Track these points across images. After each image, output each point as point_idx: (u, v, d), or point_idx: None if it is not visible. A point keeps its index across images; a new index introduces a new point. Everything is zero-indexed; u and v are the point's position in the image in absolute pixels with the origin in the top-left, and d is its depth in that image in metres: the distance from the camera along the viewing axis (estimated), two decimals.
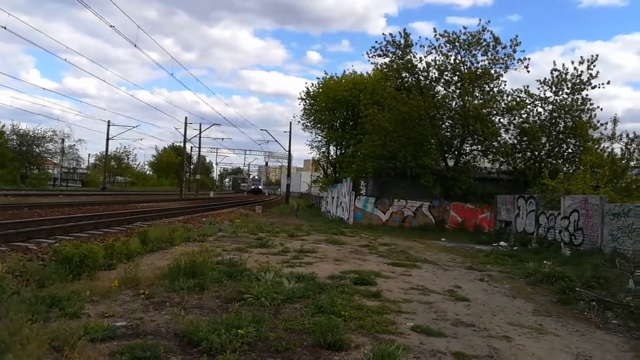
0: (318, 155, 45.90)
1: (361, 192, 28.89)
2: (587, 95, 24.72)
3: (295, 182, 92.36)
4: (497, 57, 25.81)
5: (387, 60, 27.16)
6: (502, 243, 19.28)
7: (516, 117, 26.59)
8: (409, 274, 10.16)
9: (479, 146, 27.23)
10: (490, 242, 19.65)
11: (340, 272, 9.43)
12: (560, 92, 25.05)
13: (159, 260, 9.21)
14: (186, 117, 54.65)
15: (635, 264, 10.10)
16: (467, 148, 27.75)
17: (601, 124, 24.64)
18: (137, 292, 6.43)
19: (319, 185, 47.80)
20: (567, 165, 25.57)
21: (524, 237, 19.48)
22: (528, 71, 25.83)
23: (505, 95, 26.50)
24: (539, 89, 25.61)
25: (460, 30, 25.91)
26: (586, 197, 16.10)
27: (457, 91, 26.55)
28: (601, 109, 25.24)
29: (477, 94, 26.64)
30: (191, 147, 67.24)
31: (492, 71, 26.00)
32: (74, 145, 68.06)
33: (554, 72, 24.95)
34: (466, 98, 25.58)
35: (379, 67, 28.36)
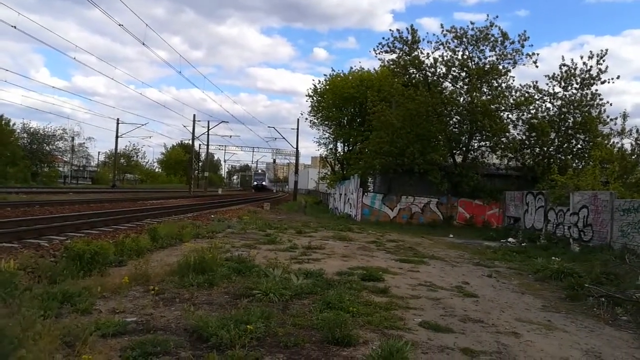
0: (325, 152, 45.96)
1: (369, 188, 28.86)
2: (596, 90, 24.50)
3: (303, 179, 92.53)
4: (505, 53, 25.61)
5: (394, 56, 27.11)
6: (510, 239, 19.20)
7: (525, 113, 26.40)
8: (416, 270, 10.16)
9: (487, 142, 27.07)
10: (499, 239, 19.59)
11: (348, 268, 9.46)
12: (570, 88, 24.82)
13: (169, 257, 9.28)
14: (194, 115, 54.88)
15: None
16: (475, 144, 27.60)
17: (611, 119, 24.43)
18: (147, 288, 6.49)
19: (327, 182, 47.81)
20: (576, 161, 25.36)
21: (532, 234, 19.38)
22: (536, 66, 25.61)
23: (513, 91, 26.32)
24: (547, 84, 25.42)
25: (467, 26, 25.72)
26: (596, 193, 15.98)
27: (465, 87, 26.41)
28: (610, 104, 25.15)
29: (485, 90, 26.48)
30: (199, 145, 67.64)
31: (500, 67, 25.80)
32: (84, 143, 68.75)
33: (562, 67, 24.73)
34: (474, 94, 25.43)
35: (386, 63, 28.28)
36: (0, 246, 9.13)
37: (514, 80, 26.49)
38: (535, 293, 8.70)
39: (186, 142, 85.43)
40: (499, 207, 25.20)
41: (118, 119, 58.50)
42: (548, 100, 25.70)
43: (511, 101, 26.27)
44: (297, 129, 51.16)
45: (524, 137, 26.58)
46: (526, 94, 26.04)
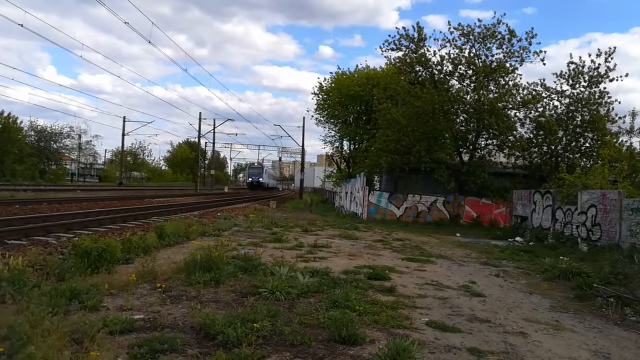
0: (331, 151, 45.95)
1: (375, 187, 28.84)
2: (604, 88, 24.31)
3: (309, 177, 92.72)
4: (512, 50, 25.46)
5: (400, 54, 26.98)
6: (517, 238, 19.10)
7: (532, 111, 26.23)
8: (423, 269, 10.13)
9: (494, 140, 26.94)
10: (506, 238, 19.48)
11: (355, 267, 9.44)
12: (577, 85, 24.64)
13: (176, 255, 9.31)
14: (200, 113, 55.15)
15: None
16: (482, 142, 27.47)
17: (619, 117, 24.25)
18: (154, 286, 6.52)
19: (333, 180, 47.81)
20: (584, 159, 25.17)
21: (540, 233, 19.26)
22: (544, 64, 25.48)
23: (520, 89, 26.14)
24: (555, 82, 25.25)
25: (474, 23, 25.63)
26: (604, 192, 15.84)
27: (472, 85, 26.27)
28: (619, 102, 24.82)
29: (492, 88, 26.32)
30: (205, 143, 67.88)
31: (507, 64, 25.65)
32: (91, 141, 69.29)
33: (570, 64, 24.56)
34: (481, 92, 25.30)
35: (392, 61, 28.18)
36: (9, 243, 9.19)
37: (521, 78, 26.39)
38: (543, 293, 8.64)
39: (192, 140, 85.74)
40: (506, 206, 25.06)
41: (124, 117, 59.00)
42: (556, 98, 25.57)
43: (518, 99, 26.12)
44: (303, 127, 51.20)
45: (531, 135, 26.42)
46: (533, 92, 25.88)
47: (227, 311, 5.46)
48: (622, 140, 24.01)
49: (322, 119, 42.11)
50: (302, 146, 52.63)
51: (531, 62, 25.81)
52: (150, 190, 45.35)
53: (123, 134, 58.87)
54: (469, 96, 26.50)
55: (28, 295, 5.14)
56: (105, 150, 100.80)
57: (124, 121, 58.48)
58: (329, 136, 43.64)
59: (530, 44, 25.26)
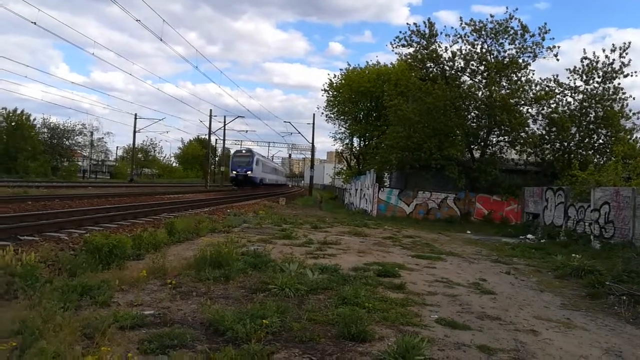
0: (341, 147, 45.87)
1: (385, 184, 28.74)
2: (618, 84, 23.96)
3: (319, 174, 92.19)
4: (525, 46, 25.19)
5: (411, 50, 26.83)
6: (529, 236, 18.95)
7: (545, 107, 25.94)
8: (433, 267, 10.08)
9: (505, 137, 26.71)
10: (517, 235, 19.33)
11: (364, 263, 9.43)
12: (591, 81, 24.31)
13: (186, 251, 9.37)
14: (211, 110, 55.34)
15: None
16: (494, 139, 27.25)
17: (633, 114, 23.94)
18: (164, 282, 6.56)
19: (342, 177, 47.73)
20: (597, 156, 24.86)
21: (552, 230, 19.08)
22: (557, 59, 25.12)
23: (533, 85, 25.84)
24: (568, 78, 24.93)
25: (487, 19, 25.33)
26: (617, 189, 15.64)
27: (484, 81, 26.05)
28: (633, 98, 24.41)
29: (504, 84, 26.08)
30: (216, 140, 67.83)
31: (520, 60, 25.40)
32: (103, 138, 69.85)
33: (584, 60, 24.23)
34: (493, 88, 25.07)
35: (403, 57, 28.03)
36: (22, 239, 9.31)
37: (533, 74, 26.02)
38: (555, 291, 8.56)
39: (203, 137, 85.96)
40: (517, 203, 24.86)
41: (136, 114, 59.28)
42: (569, 94, 25.24)
43: (531, 95, 25.84)
44: (313, 123, 51.19)
45: (543, 132, 26.13)
46: (546, 88, 25.57)
47: (237, 307, 5.48)
48: (636, 137, 23.79)
49: (332, 115, 42.08)
50: (312, 143, 52.65)
51: (544, 57, 25.51)
52: (160, 186, 45.62)
53: (134, 131, 59.30)
54: (480, 92, 26.28)
55: (40, 291, 5.21)
56: (117, 147, 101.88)
57: (136, 118, 58.86)
58: (339, 133, 43.59)
59: (543, 39, 25.00)
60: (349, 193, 38.18)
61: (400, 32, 29.37)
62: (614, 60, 23.53)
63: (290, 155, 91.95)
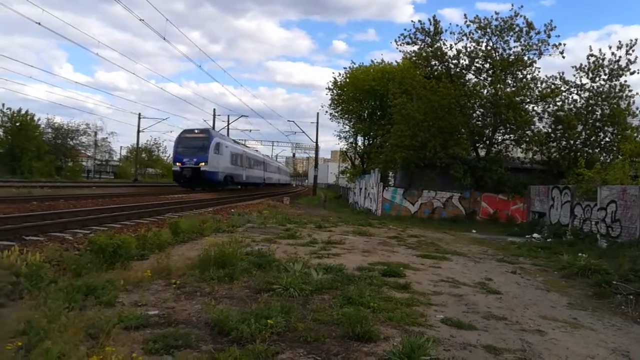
0: (346, 146, 45.85)
1: (389, 183, 28.67)
2: (625, 81, 23.79)
3: (323, 173, 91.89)
4: (530, 43, 25.04)
5: (416, 48, 26.76)
6: (535, 235, 18.85)
7: (551, 105, 25.80)
8: (438, 266, 10.04)
9: (511, 135, 26.58)
10: (523, 234, 19.24)
11: (369, 263, 9.39)
12: (597, 79, 24.14)
13: (190, 251, 9.37)
14: (214, 109, 55.53)
15: None
16: (499, 137, 27.13)
17: None
18: (168, 282, 6.56)
19: (347, 176, 47.71)
20: (604, 154, 24.71)
21: (558, 229, 18.98)
22: (563, 57, 25.02)
23: (539, 83, 25.71)
24: (574, 75, 24.76)
25: (492, 16, 25.28)
26: (624, 188, 15.53)
27: (489, 79, 25.93)
28: None
29: (510, 82, 25.96)
30: None
31: (525, 58, 25.26)
32: (107, 137, 69.87)
33: (590, 57, 24.06)
34: (498, 86, 24.96)
35: (408, 55, 27.96)
36: (26, 239, 9.34)
37: (539, 72, 25.92)
38: (561, 290, 8.51)
39: None
40: (523, 202, 24.74)
41: (140, 114, 59.31)
42: (575, 91, 25.09)
43: (536, 93, 25.71)
44: (317, 122, 51.17)
45: (549, 130, 26.00)
46: (552, 86, 25.44)
47: (241, 307, 5.47)
48: None
49: (336, 114, 42.07)
50: (316, 142, 52.66)
51: (550, 55, 25.37)
52: (164, 186, 45.70)
53: (138, 131, 59.43)
54: (485, 90, 26.16)
55: (45, 291, 5.22)
56: (121, 147, 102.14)
57: (139, 118, 58.98)
58: (343, 132, 43.58)
59: (549, 36, 24.86)
60: (353, 192, 38.15)
61: (405, 29, 29.42)
62: (620, 57, 23.38)
63: (294, 154, 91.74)
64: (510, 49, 25.29)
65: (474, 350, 4.81)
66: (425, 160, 25.04)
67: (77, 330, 4.03)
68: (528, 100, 25.80)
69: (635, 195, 14.67)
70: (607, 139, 24.74)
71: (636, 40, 23.04)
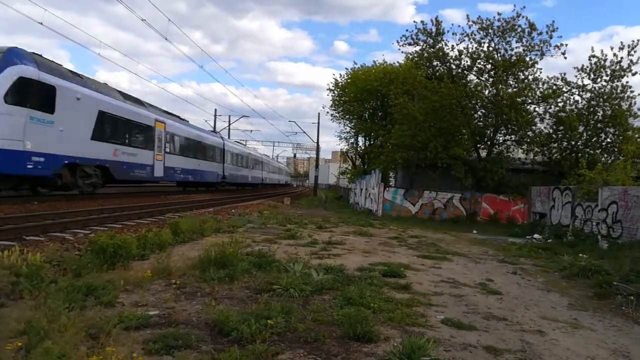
0: (346, 147, 45.84)
1: (390, 183, 28.68)
2: (627, 82, 23.79)
3: (324, 174, 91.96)
4: (532, 44, 25.06)
5: (417, 48, 26.80)
6: (536, 236, 18.83)
7: (552, 106, 25.80)
8: (439, 267, 10.03)
9: (512, 136, 26.61)
10: (524, 235, 19.22)
11: (369, 264, 9.39)
12: (599, 80, 24.14)
13: (190, 251, 9.37)
14: (215, 109, 55.58)
15: None
16: (501, 138, 27.15)
17: None
18: (169, 282, 6.56)
19: (347, 176, 47.71)
20: (605, 155, 24.69)
21: (559, 230, 18.96)
22: (565, 57, 24.98)
23: (540, 83, 25.75)
24: (576, 76, 24.76)
25: (494, 17, 25.24)
26: (626, 189, 15.51)
27: (491, 79, 25.95)
28: None
29: (511, 82, 25.97)
30: None
31: (527, 58, 25.26)
32: None
33: (592, 58, 24.06)
34: (500, 86, 24.97)
35: (410, 55, 27.98)
36: (27, 239, 9.35)
37: (541, 72, 25.96)
38: (562, 291, 8.50)
39: None
40: (524, 203, 24.72)
41: None
42: (576, 92, 25.09)
43: (538, 94, 25.72)
44: (318, 123, 51.23)
45: (551, 130, 25.99)
46: (554, 87, 25.45)
47: (241, 308, 5.47)
48: None
49: (337, 115, 42.07)
50: (317, 142, 52.70)
51: (552, 55, 25.36)
52: (164, 186, 45.70)
53: None
54: (487, 91, 26.20)
55: (45, 291, 5.23)
56: None
57: None
58: (344, 132, 43.60)
59: (551, 37, 24.88)
60: (354, 193, 38.15)
61: (407, 30, 29.46)
62: (622, 58, 23.38)
63: (294, 154, 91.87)
64: (512, 49, 25.34)
65: (474, 351, 4.81)
66: (426, 160, 25.05)
67: (78, 331, 4.03)
68: (529, 100, 25.81)
69: (637, 196, 14.65)
70: (608, 140, 24.73)
71: (638, 41, 23.07)
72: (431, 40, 26.08)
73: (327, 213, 26.01)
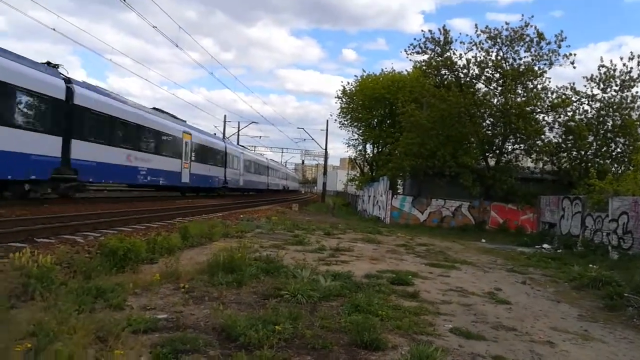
0: (355, 154, 45.87)
1: (398, 191, 28.61)
2: (637, 92, 23.69)
3: (332, 180, 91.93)
4: (540, 54, 25.01)
5: (425, 57, 26.84)
6: (545, 245, 18.68)
7: (561, 115, 25.68)
8: (447, 275, 9.97)
9: (521, 145, 26.47)
10: (533, 245, 19.08)
11: (377, 271, 9.35)
12: (609, 89, 24.03)
13: (199, 255, 9.39)
14: (225, 116, 55.71)
15: None
16: (509, 147, 27.04)
17: None
18: (177, 286, 6.57)
19: (355, 183, 47.67)
20: (615, 165, 24.50)
21: (568, 240, 18.80)
22: (574, 67, 24.89)
23: (549, 93, 25.65)
24: (585, 86, 24.68)
25: (502, 26, 25.23)
26: (636, 199, 15.36)
27: (499, 88, 25.90)
28: None
29: (520, 91, 25.90)
30: None
31: (536, 68, 25.21)
32: None
33: (601, 68, 23.95)
34: (508, 95, 24.91)
35: (418, 64, 28.02)
36: (38, 242, 9.43)
37: (550, 82, 25.84)
38: (572, 301, 8.41)
39: None
40: (533, 212, 24.55)
41: None
42: (586, 102, 24.97)
43: (547, 103, 25.62)
44: (327, 130, 51.37)
45: (560, 140, 25.86)
46: (563, 96, 25.33)
47: (249, 313, 5.46)
48: None
49: (345, 122, 42.14)
50: (325, 149, 52.78)
51: (560, 65, 25.29)
52: (173, 191, 45.82)
53: None
54: (496, 100, 26.14)
55: (55, 293, 5.26)
56: None
57: None
58: (352, 139, 43.62)
59: (559, 46, 24.82)
60: (362, 200, 38.11)
61: (415, 39, 29.42)
62: (631, 68, 23.29)
63: (303, 161, 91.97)
64: (520, 58, 25.32)
65: None
66: (435, 168, 24.99)
67: (87, 333, 4.04)
68: (538, 110, 25.72)
69: None
70: (618, 150, 24.58)
71: None
72: (439, 49, 26.12)
73: (335, 220, 25.97)
